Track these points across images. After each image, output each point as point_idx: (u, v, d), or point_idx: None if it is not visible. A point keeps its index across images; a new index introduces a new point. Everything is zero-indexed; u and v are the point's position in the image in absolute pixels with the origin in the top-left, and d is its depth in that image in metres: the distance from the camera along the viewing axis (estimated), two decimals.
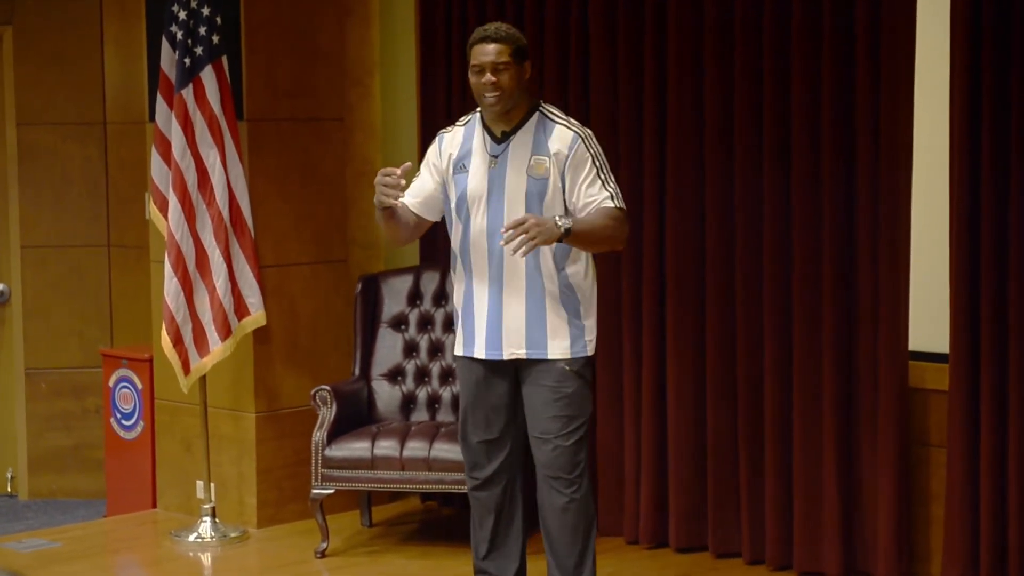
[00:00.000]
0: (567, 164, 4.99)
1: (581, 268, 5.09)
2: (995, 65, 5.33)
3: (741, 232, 6.05)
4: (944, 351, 5.62)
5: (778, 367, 5.97)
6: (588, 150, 5.02)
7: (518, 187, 5.00)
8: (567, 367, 5.06)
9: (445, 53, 6.99)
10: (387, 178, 4.93)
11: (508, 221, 4.91)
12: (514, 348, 5.07)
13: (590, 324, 5.12)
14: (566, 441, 5.07)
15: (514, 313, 5.04)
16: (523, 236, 4.78)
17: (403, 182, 4.94)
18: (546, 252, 5.01)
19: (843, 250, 5.80)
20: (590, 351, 5.12)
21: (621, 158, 6.27)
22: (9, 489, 8.04)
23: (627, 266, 6.32)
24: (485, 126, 5.11)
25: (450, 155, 5.15)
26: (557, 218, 4.87)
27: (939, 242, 5.65)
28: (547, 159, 5.00)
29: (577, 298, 5.08)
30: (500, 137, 5.07)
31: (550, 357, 5.05)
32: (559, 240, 4.86)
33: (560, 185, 5.01)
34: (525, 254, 4.85)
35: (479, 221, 5.06)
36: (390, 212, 5.04)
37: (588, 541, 5.16)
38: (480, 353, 5.13)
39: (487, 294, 5.07)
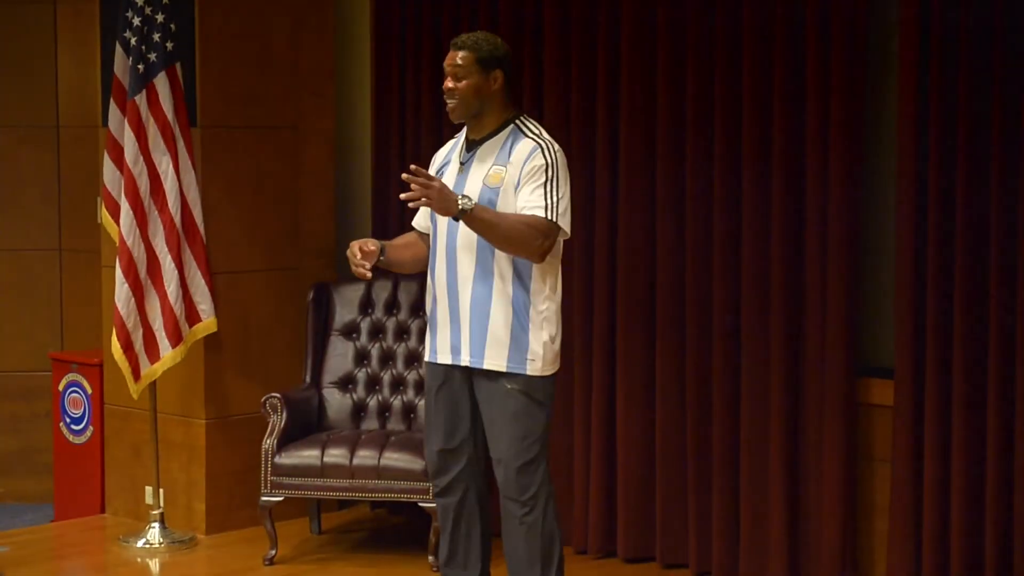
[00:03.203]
0: (522, 170, 4.92)
1: (546, 284, 4.98)
2: (942, 80, 5.38)
3: (690, 246, 6.08)
4: (889, 366, 5.67)
5: (726, 379, 6.01)
6: (545, 159, 4.92)
7: (473, 195, 4.89)
8: (508, 384, 4.97)
9: (399, 62, 7.01)
10: (355, 257, 4.91)
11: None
12: (461, 355, 5.03)
13: (540, 342, 4.97)
14: (514, 463, 4.99)
15: (464, 319, 4.99)
16: (418, 189, 4.72)
17: (368, 265, 4.92)
18: (508, 260, 4.93)
19: (792, 265, 5.84)
20: (532, 371, 4.96)
21: (572, 170, 6.27)
22: None
23: (577, 277, 6.35)
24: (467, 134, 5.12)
25: (439, 161, 5.22)
26: (461, 197, 4.80)
27: (885, 258, 5.71)
28: (504, 169, 4.94)
29: (529, 312, 4.96)
30: (471, 145, 5.07)
31: (486, 367, 4.97)
32: (455, 218, 4.81)
33: (513, 192, 4.93)
34: (410, 203, 4.79)
35: (442, 226, 5.03)
36: (386, 262, 5.06)
37: (548, 567, 5.04)
38: (436, 357, 5.11)
39: (446, 297, 5.03)
